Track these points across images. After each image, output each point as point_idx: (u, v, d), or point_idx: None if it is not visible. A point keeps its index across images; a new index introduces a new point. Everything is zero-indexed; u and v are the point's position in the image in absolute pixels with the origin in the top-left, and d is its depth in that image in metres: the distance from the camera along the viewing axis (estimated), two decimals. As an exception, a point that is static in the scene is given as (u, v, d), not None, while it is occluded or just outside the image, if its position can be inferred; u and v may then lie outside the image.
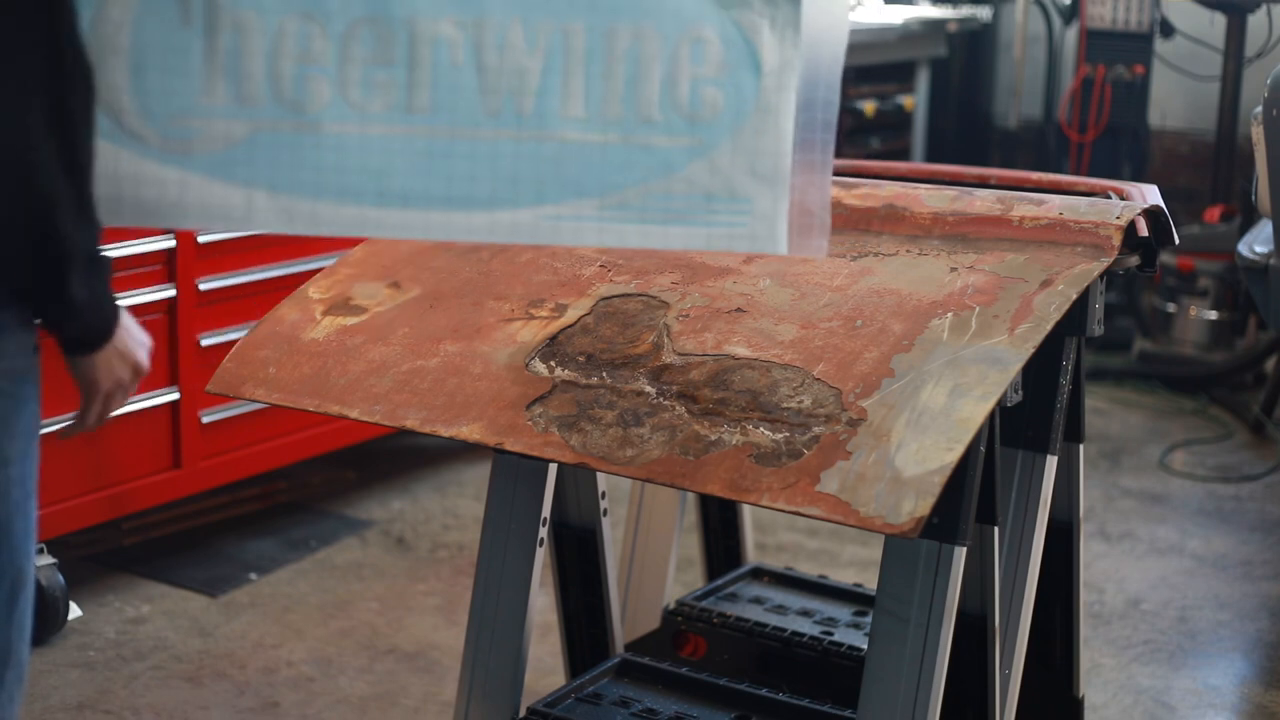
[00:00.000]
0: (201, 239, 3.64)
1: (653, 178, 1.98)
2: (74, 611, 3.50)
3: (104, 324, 1.71)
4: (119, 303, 1.74)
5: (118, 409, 1.80)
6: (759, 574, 3.21)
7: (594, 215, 1.97)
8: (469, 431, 2.18)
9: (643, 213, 1.98)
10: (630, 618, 3.05)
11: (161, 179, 1.77)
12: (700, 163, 1.98)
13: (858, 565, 3.97)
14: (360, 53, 1.87)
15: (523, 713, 2.57)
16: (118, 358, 1.73)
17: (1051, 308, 2.15)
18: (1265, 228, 4.05)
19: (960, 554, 2.15)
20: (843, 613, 3.03)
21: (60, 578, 3.42)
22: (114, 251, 3.41)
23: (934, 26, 6.43)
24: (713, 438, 2.04)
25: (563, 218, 1.97)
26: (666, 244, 1.99)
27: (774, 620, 2.96)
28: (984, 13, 6.82)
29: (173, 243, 3.57)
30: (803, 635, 2.90)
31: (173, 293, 3.59)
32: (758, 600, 3.08)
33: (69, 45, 1.57)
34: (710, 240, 1.99)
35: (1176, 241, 2.46)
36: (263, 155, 1.82)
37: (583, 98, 1.93)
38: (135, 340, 1.77)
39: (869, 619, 2.78)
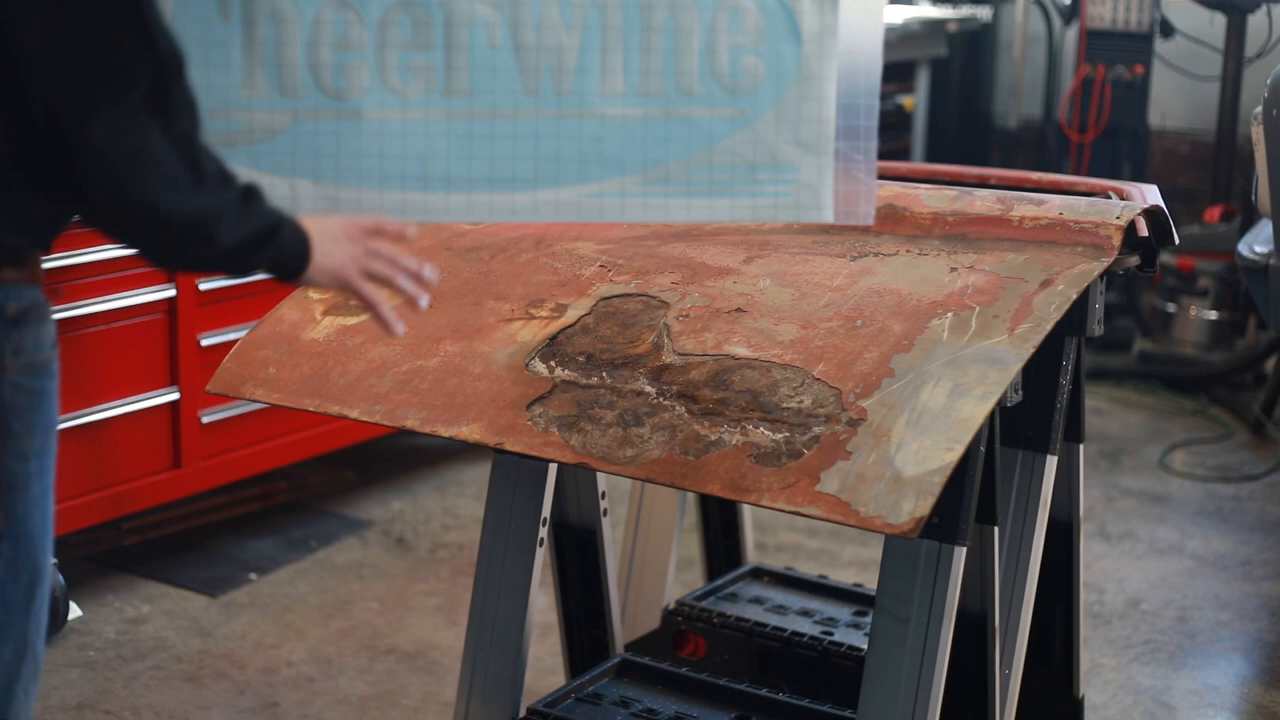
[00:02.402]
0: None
1: (695, 150, 1.96)
2: (74, 611, 3.50)
3: (283, 251, 1.70)
4: (291, 222, 1.72)
5: (401, 274, 1.78)
6: (759, 574, 3.21)
7: (638, 191, 1.97)
8: (469, 431, 2.18)
9: (687, 186, 1.98)
10: (630, 618, 3.05)
11: None
12: (743, 133, 1.96)
13: (858, 565, 3.97)
14: (397, 38, 1.87)
15: (523, 713, 2.57)
16: (341, 249, 1.73)
17: (1051, 308, 2.15)
18: (1265, 228, 4.05)
19: (960, 554, 2.15)
20: (843, 613, 3.03)
21: (60, 578, 3.41)
22: (113, 252, 3.41)
23: (934, 26, 6.42)
24: (713, 438, 2.04)
25: (606, 194, 1.97)
26: (712, 216, 1.99)
27: (774, 620, 2.96)
28: (984, 13, 6.81)
29: (173, 243, 3.56)
30: (803, 635, 2.90)
31: (173, 293, 3.59)
32: (758, 600, 3.08)
33: (162, 38, 1.59)
34: (756, 211, 1.99)
35: (1176, 241, 2.46)
36: (305, 144, 1.83)
37: (622, 73, 1.93)
38: (341, 231, 1.75)
39: (869, 619, 2.78)
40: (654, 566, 3.07)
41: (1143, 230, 2.35)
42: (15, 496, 1.65)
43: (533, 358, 2.25)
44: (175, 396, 3.63)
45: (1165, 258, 5.47)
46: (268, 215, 1.70)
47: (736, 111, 1.96)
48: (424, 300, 1.82)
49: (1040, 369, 2.40)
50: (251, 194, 1.68)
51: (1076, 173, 5.86)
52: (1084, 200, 2.41)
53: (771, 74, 1.95)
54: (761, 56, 1.95)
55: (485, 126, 1.91)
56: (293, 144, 1.75)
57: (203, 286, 3.64)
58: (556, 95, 1.92)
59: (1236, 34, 5.74)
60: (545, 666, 3.32)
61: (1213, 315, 5.69)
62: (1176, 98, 6.41)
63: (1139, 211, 2.35)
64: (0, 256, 1.61)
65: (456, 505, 4.33)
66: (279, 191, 1.90)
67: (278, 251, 1.71)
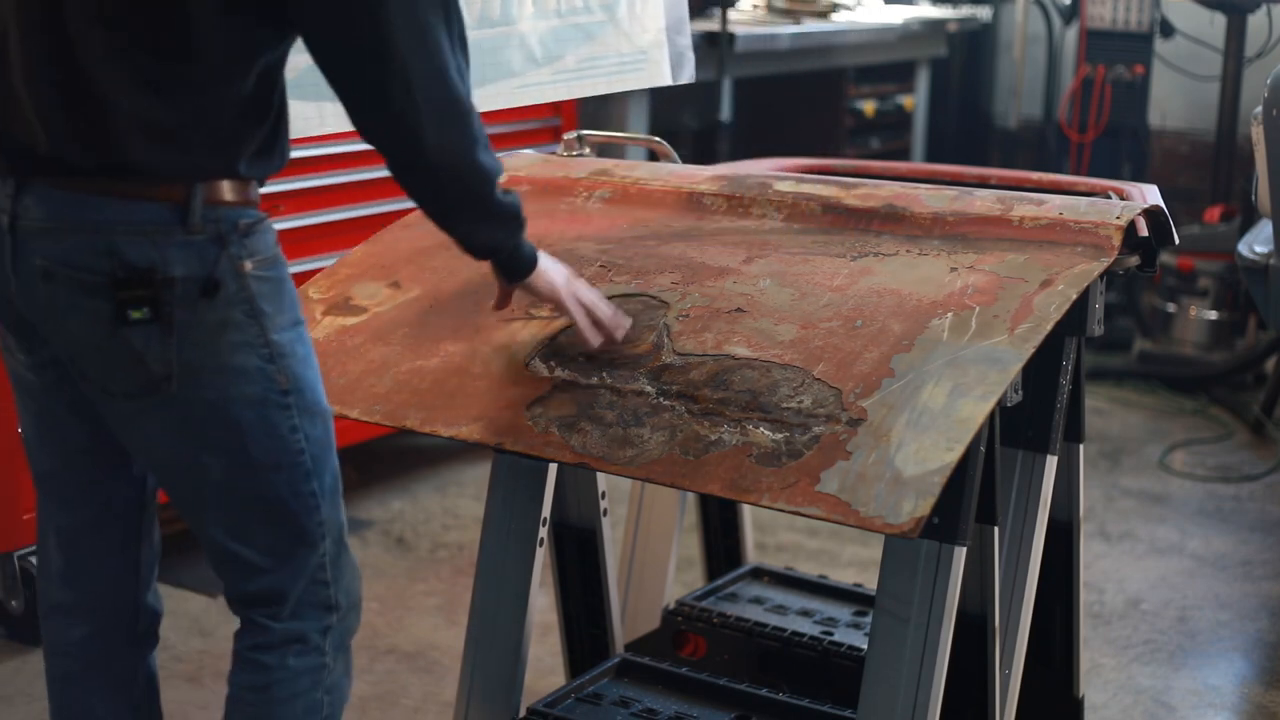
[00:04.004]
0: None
1: (582, 46, 2.83)
2: (74, 611, 3.50)
3: (523, 244, 2.14)
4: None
5: (601, 311, 2.21)
6: (759, 574, 3.21)
7: (549, 79, 2.82)
8: (469, 431, 2.18)
9: (578, 72, 2.85)
10: (630, 618, 3.05)
11: None
12: (610, 29, 2.86)
13: (858, 565, 3.97)
14: None
15: (523, 713, 2.57)
16: (560, 271, 2.19)
17: (1051, 308, 2.14)
18: (1265, 228, 4.05)
19: (960, 554, 2.15)
20: (843, 613, 3.03)
21: (60, 578, 3.42)
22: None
23: (934, 26, 6.42)
24: (713, 438, 2.04)
25: (529, 84, 2.80)
26: (595, 91, 2.92)
27: (774, 620, 2.96)
28: (984, 13, 6.82)
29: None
30: (803, 635, 2.90)
31: (173, 293, 3.59)
32: (758, 600, 3.08)
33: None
34: (624, 83, 2.92)
35: (1176, 241, 2.46)
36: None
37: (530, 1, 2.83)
38: (562, 264, 2.22)
39: (869, 619, 2.78)
40: (654, 566, 3.07)
41: (1143, 230, 2.35)
42: (288, 360, 1.99)
43: (533, 358, 2.25)
44: (175, 396, 3.63)
45: (1165, 258, 5.47)
46: (518, 203, 2.08)
47: (605, 16, 2.86)
48: (596, 341, 2.20)
49: (1040, 369, 2.40)
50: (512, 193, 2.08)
51: (1076, 173, 5.86)
52: (1084, 200, 2.41)
53: None
54: None
55: None
56: (315, 75, 2.00)
57: (203, 286, 3.64)
58: (490, 20, 2.73)
59: (1236, 34, 5.74)
60: (545, 666, 3.32)
61: (1213, 315, 5.69)
62: (1176, 98, 6.41)
63: (1139, 211, 2.35)
64: (236, 187, 1.96)
65: (456, 505, 4.33)
66: (309, 113, 2.52)
67: (520, 241, 2.09)
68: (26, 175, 1.94)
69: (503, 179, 2.04)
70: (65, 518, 2.19)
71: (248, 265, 1.96)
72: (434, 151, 1.95)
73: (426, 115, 1.92)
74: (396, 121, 1.93)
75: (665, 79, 2.93)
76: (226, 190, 1.95)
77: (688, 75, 3.01)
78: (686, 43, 3.03)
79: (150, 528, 2.26)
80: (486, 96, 2.67)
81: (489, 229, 2.07)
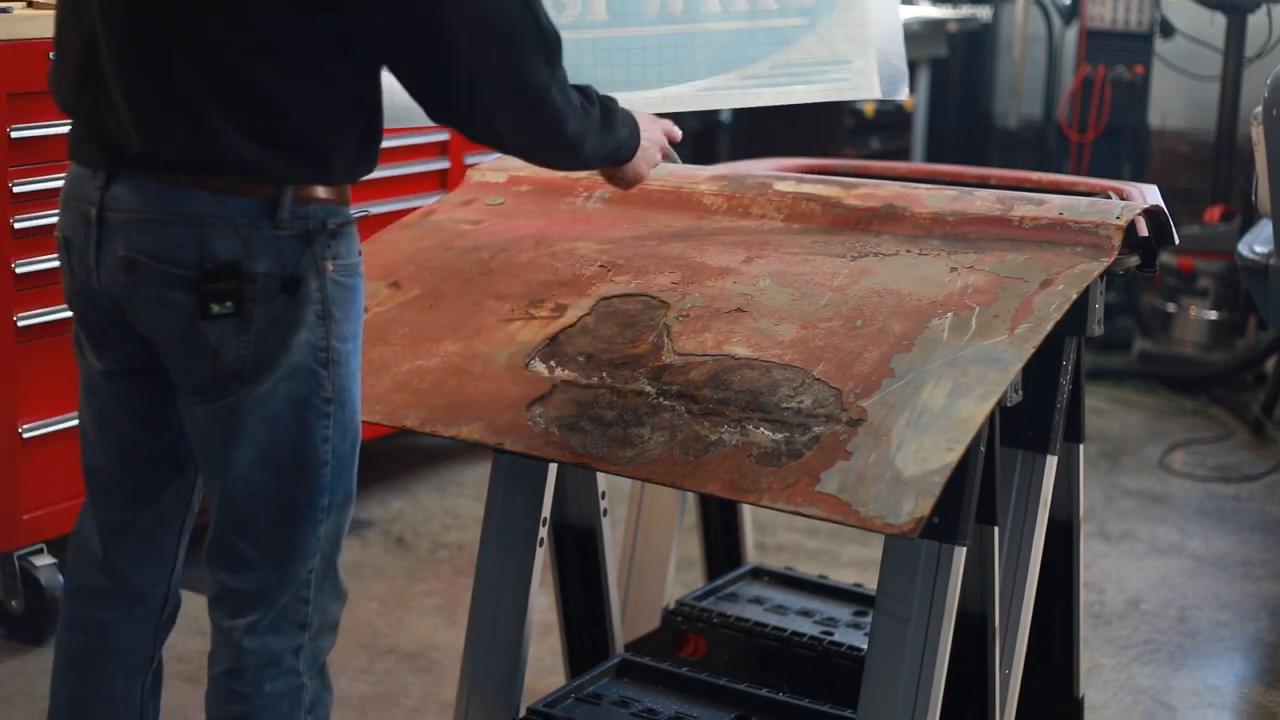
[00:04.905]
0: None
1: (776, 51, 2.60)
2: (74, 611, 3.49)
3: (623, 153, 2.22)
4: (633, 132, 2.22)
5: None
6: (759, 574, 3.21)
7: (736, 84, 2.60)
8: (469, 431, 2.18)
9: (773, 79, 2.61)
10: (630, 618, 3.05)
11: (391, 88, 2.06)
12: (811, 35, 2.62)
13: (858, 565, 3.97)
14: None
15: (523, 713, 2.57)
16: (650, 156, 2.29)
17: (1051, 308, 2.15)
18: (1265, 228, 4.05)
19: (960, 554, 2.15)
20: (843, 613, 3.03)
21: (60, 578, 3.41)
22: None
23: (934, 26, 6.42)
24: (713, 438, 2.04)
25: (713, 89, 2.59)
26: (793, 99, 2.65)
27: (774, 620, 2.96)
28: (984, 13, 6.81)
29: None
30: (803, 635, 2.90)
31: (173, 293, 3.58)
32: (758, 600, 3.08)
33: None
34: (824, 93, 2.65)
35: (1176, 241, 2.46)
36: None
37: None
38: (659, 134, 2.31)
39: (869, 619, 2.78)
40: (654, 566, 3.07)
41: (1143, 230, 2.35)
42: (340, 370, 2.00)
43: (533, 358, 2.25)
44: (175, 396, 3.63)
45: (1165, 258, 5.47)
46: (619, 136, 2.16)
47: (805, 20, 2.60)
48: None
49: (1040, 369, 2.40)
50: (609, 115, 2.13)
51: (1076, 173, 5.86)
52: (1084, 200, 2.41)
53: None
54: None
55: (621, 42, 2.48)
56: None
57: (203, 286, 3.64)
58: (671, 16, 2.55)
59: (1236, 34, 5.73)
60: (545, 666, 3.32)
61: (1213, 315, 5.69)
62: (1176, 98, 6.41)
63: (1139, 211, 2.35)
64: (330, 185, 1.98)
65: (456, 505, 4.33)
66: None
67: (620, 156, 2.20)
68: (118, 167, 1.94)
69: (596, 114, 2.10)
70: (112, 513, 2.18)
71: (329, 266, 1.97)
72: (513, 139, 2.03)
73: (502, 112, 1.97)
74: (470, 121, 1.99)
75: (874, 92, 2.64)
76: (318, 188, 1.97)
77: (902, 91, 2.69)
78: (899, 53, 2.75)
79: (191, 522, 2.25)
80: (667, 100, 2.55)
81: (580, 165, 2.19)
